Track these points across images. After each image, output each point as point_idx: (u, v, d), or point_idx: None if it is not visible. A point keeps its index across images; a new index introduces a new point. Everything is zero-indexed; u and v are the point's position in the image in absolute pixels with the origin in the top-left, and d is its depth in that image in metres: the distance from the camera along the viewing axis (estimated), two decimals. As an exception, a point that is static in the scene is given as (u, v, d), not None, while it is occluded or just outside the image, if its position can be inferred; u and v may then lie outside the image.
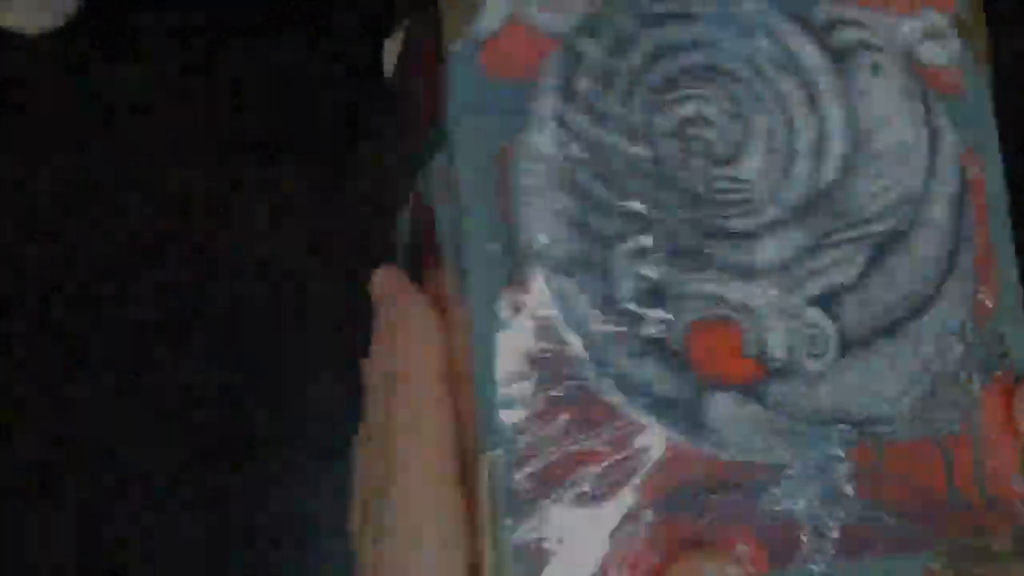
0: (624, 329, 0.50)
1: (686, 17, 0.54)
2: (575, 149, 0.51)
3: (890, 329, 0.53)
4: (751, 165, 0.53)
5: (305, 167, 0.84)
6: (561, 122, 0.51)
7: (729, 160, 0.53)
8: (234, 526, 1.01)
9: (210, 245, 1.03)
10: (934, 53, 0.56)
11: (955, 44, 0.56)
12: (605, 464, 0.50)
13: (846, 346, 0.52)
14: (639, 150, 0.52)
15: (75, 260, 1.01)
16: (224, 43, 1.03)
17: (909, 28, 0.56)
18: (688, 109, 0.53)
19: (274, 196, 1.02)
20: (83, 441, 1.03)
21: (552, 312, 0.50)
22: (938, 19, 0.56)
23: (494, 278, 0.50)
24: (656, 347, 0.51)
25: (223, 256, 1.02)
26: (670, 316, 0.51)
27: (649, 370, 0.50)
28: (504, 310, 0.50)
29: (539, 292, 0.50)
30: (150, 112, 1.06)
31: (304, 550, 1.02)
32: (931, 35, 0.56)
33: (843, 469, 0.51)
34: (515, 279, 0.50)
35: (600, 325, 0.50)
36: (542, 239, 0.50)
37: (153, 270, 1.03)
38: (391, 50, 1.00)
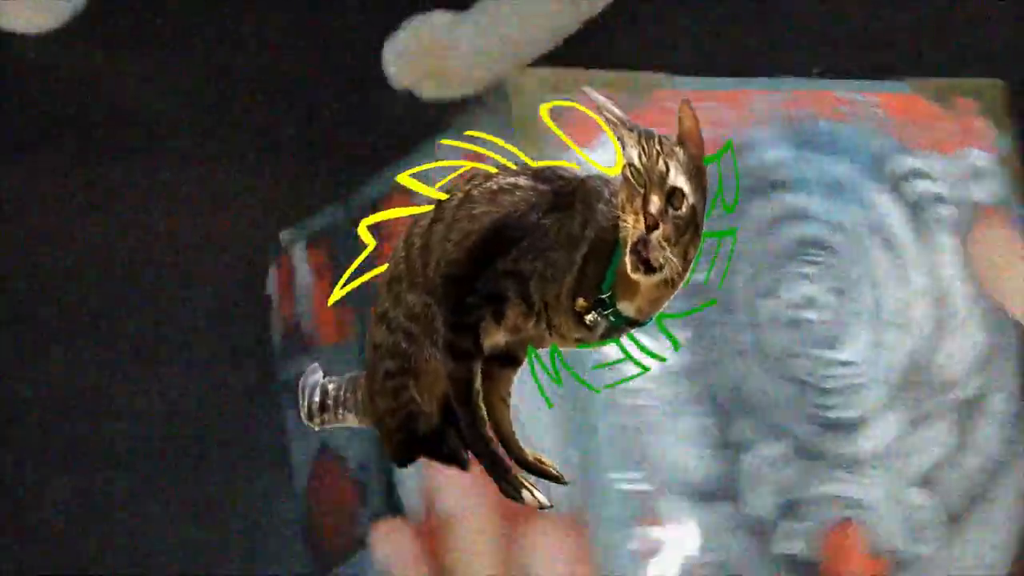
0: (757, 549, 0.46)
1: (780, 186, 0.49)
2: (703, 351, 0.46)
3: (984, 495, 0.52)
4: (853, 345, 0.49)
5: (305, 169, 0.80)
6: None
7: (833, 343, 0.49)
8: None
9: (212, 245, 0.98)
10: (982, 192, 0.55)
11: (998, 182, 0.55)
12: None
13: (950, 521, 0.50)
14: (749, 339, 0.47)
15: (95, 261, 0.98)
16: (225, 43, 0.96)
17: (959, 167, 0.54)
18: (794, 292, 0.48)
19: (274, 198, 0.96)
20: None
21: (691, 545, 0.45)
22: (982, 158, 0.55)
23: (625, 514, 0.44)
24: (788, 562, 0.47)
25: (228, 257, 0.97)
26: (800, 526, 0.47)
27: None
28: (637, 548, 0.44)
29: (676, 524, 0.44)
30: (150, 112, 1.01)
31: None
32: (977, 175, 0.55)
33: None
34: (648, 512, 0.44)
35: (737, 550, 0.45)
36: (680, 464, 0.45)
37: (157, 270, 0.99)
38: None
